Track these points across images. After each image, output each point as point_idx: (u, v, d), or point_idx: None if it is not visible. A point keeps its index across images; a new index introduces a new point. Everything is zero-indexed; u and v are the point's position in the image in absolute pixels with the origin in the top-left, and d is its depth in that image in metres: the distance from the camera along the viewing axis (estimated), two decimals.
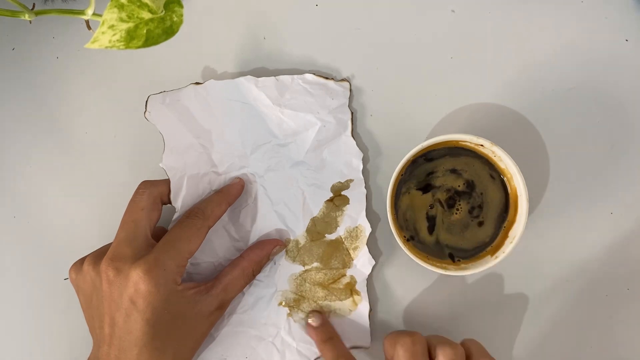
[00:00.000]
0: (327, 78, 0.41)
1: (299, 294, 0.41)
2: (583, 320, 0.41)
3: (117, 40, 0.29)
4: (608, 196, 0.41)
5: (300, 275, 0.41)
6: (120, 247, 0.35)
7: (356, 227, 0.41)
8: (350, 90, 0.41)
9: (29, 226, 0.43)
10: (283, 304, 0.41)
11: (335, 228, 0.41)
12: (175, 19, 0.31)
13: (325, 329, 0.39)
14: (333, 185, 0.41)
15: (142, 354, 0.33)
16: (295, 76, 0.40)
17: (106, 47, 0.29)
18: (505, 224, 0.38)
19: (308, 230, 0.41)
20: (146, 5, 0.29)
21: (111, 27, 0.29)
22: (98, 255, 0.36)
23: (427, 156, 0.38)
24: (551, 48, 0.41)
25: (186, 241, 0.36)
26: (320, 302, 0.40)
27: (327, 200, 0.41)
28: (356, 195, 0.41)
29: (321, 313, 0.40)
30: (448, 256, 0.38)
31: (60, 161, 0.43)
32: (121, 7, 0.29)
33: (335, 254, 0.41)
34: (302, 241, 0.41)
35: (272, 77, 0.40)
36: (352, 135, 0.41)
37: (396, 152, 0.41)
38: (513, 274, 0.41)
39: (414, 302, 0.41)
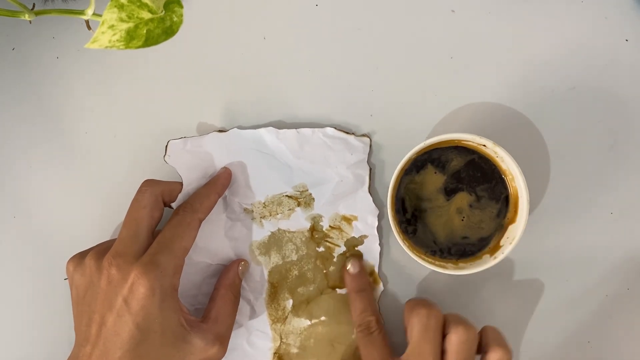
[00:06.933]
0: (347, 133, 0.40)
1: (302, 349, 0.40)
2: (583, 320, 0.41)
3: (117, 40, 0.29)
4: (608, 196, 0.41)
5: (306, 330, 0.40)
6: (123, 245, 0.35)
7: None
8: (371, 146, 0.41)
9: (29, 226, 0.43)
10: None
11: None
12: (175, 19, 0.31)
13: (360, 279, 0.39)
14: (347, 240, 0.40)
15: (124, 358, 0.32)
16: (316, 129, 0.40)
17: (106, 47, 0.29)
18: (504, 224, 0.38)
19: (319, 284, 0.40)
20: (146, 5, 0.29)
21: (111, 27, 0.29)
22: (101, 251, 0.36)
23: (429, 155, 0.38)
24: (551, 48, 0.41)
25: (179, 239, 0.35)
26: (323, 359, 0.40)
27: (340, 255, 0.40)
28: (370, 252, 0.40)
29: (360, 260, 0.40)
30: (447, 254, 0.38)
31: (60, 161, 0.43)
32: (121, 7, 0.29)
33: (345, 308, 0.40)
34: (313, 294, 0.40)
35: (293, 130, 0.40)
36: (369, 192, 0.40)
37: (396, 152, 0.41)
38: (512, 274, 0.41)
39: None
